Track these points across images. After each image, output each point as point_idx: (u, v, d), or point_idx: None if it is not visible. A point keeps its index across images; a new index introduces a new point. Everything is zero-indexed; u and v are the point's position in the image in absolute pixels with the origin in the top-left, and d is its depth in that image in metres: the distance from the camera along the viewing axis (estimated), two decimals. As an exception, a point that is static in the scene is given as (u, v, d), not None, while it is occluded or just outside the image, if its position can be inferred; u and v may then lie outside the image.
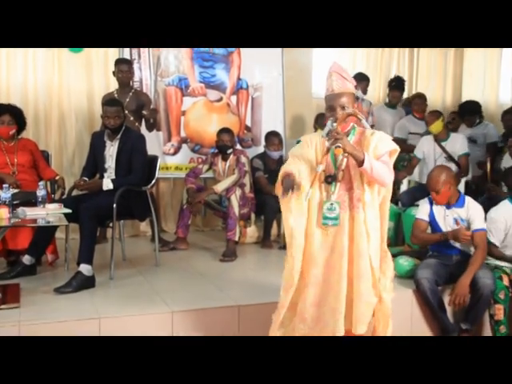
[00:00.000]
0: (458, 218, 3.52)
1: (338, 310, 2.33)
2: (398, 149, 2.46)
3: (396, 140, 5.64)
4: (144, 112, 4.70)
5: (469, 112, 5.41)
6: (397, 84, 5.68)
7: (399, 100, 5.75)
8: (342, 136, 2.25)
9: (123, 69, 4.58)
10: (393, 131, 5.54)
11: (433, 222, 3.58)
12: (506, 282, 3.42)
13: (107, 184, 3.69)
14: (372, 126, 5.42)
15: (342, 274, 2.34)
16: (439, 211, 3.56)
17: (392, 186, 2.51)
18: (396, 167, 5.53)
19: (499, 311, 3.37)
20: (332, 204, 2.38)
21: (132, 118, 4.60)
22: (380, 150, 2.37)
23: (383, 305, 2.45)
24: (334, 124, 2.27)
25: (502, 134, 5.36)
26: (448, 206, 3.54)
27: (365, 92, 5.40)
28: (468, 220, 3.51)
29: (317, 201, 2.42)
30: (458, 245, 3.55)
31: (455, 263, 3.52)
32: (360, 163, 2.26)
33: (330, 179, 2.39)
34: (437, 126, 4.67)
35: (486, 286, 3.31)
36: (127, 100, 4.58)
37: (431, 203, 3.59)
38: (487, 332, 3.53)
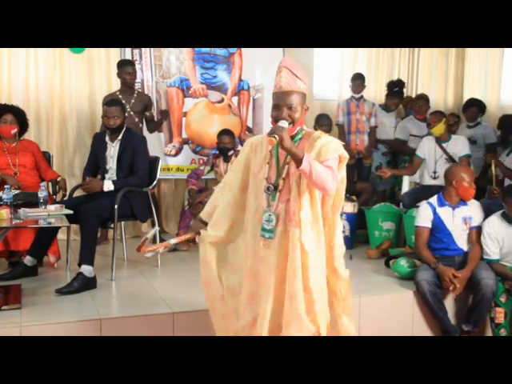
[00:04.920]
0: (466, 216, 3.57)
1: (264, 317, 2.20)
2: (346, 156, 2.20)
3: (397, 141, 5.71)
4: (146, 113, 4.72)
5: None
6: (399, 90, 5.68)
7: (397, 107, 5.76)
8: (282, 129, 2.05)
9: (129, 70, 4.58)
10: (389, 132, 5.55)
11: (440, 226, 3.57)
12: (507, 285, 3.41)
13: (108, 185, 3.69)
14: (375, 127, 5.43)
15: (269, 292, 2.18)
16: (446, 212, 3.57)
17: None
18: (397, 169, 5.60)
19: (500, 314, 3.37)
20: (270, 215, 2.20)
21: (137, 120, 4.61)
22: (323, 156, 2.13)
23: (343, 327, 2.29)
24: (285, 124, 2.10)
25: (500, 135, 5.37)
26: (454, 206, 3.56)
27: (359, 91, 5.39)
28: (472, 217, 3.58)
29: (255, 209, 2.26)
30: (461, 245, 3.57)
31: (457, 264, 3.53)
32: (298, 163, 2.03)
33: (270, 188, 2.21)
34: (439, 129, 4.66)
35: (488, 287, 3.31)
36: (132, 101, 4.59)
37: (434, 207, 3.58)
38: (488, 334, 3.52)
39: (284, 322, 2.17)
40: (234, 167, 2.41)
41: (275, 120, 2.16)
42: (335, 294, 2.29)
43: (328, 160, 2.12)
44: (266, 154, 2.26)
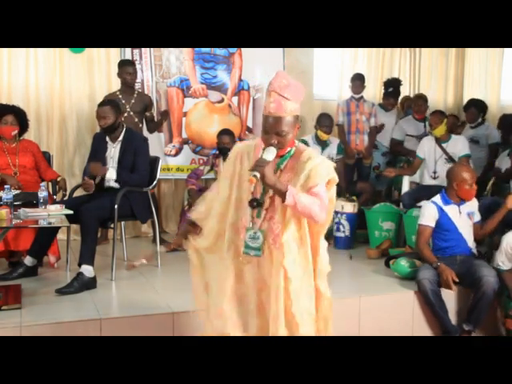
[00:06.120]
0: (470, 212, 3.64)
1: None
2: (335, 179, 2.10)
3: (393, 141, 5.72)
4: (146, 114, 4.71)
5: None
6: (393, 91, 5.67)
7: (394, 107, 5.77)
8: (264, 165, 1.92)
9: (129, 70, 4.58)
10: (389, 132, 5.57)
11: (447, 223, 3.59)
12: None
13: (111, 174, 3.70)
14: (375, 128, 5.43)
15: (253, 310, 2.13)
16: (453, 210, 3.61)
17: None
18: (395, 169, 5.60)
19: None
20: (256, 232, 2.08)
21: (137, 120, 4.61)
22: (312, 181, 2.01)
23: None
24: (270, 155, 1.98)
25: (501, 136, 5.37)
26: (458, 203, 3.61)
27: (359, 91, 5.39)
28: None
29: (233, 221, 2.15)
30: (468, 240, 3.62)
31: (459, 263, 3.54)
32: (282, 197, 1.94)
33: (254, 203, 2.08)
34: (440, 130, 4.67)
35: (489, 284, 3.31)
36: (132, 101, 4.60)
37: (439, 206, 3.60)
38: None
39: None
40: (223, 175, 2.25)
41: (265, 144, 2.06)
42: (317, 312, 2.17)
43: (317, 186, 2.01)
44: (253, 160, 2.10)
